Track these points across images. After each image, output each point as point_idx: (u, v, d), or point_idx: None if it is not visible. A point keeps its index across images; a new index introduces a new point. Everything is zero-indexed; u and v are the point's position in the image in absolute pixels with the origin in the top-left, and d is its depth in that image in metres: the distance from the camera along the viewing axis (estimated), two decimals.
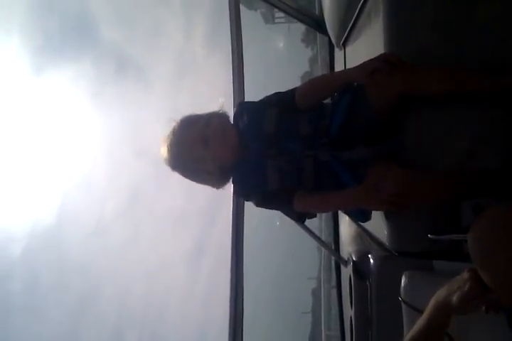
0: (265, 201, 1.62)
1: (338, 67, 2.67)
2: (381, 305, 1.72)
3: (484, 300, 1.06)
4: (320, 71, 3.23)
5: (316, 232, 2.22)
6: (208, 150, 1.59)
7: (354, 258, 1.93)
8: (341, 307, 2.36)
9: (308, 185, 1.56)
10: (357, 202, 1.49)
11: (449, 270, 1.41)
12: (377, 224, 1.66)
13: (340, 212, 2.49)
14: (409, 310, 1.37)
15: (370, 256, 1.79)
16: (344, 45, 2.47)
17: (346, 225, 2.48)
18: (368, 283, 1.76)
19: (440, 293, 1.13)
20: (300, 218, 1.78)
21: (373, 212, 1.66)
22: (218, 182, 1.68)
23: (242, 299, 2.01)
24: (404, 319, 1.46)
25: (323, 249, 2.87)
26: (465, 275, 1.08)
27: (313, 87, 1.67)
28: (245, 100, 2.13)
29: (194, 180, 1.69)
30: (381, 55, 1.52)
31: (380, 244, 1.77)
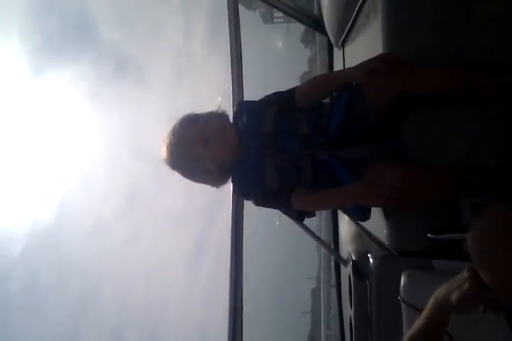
0: (264, 200, 1.63)
1: (337, 67, 2.67)
2: (381, 304, 1.72)
3: (483, 299, 1.06)
4: (319, 71, 3.23)
5: (316, 232, 2.22)
6: (208, 150, 1.59)
7: (354, 258, 1.94)
8: (341, 306, 2.36)
9: (307, 183, 1.56)
10: (355, 197, 1.49)
11: (448, 269, 1.41)
12: (377, 224, 1.66)
13: (339, 211, 2.50)
14: (409, 309, 1.38)
15: (369, 255, 1.79)
16: (343, 45, 2.47)
17: (346, 225, 2.48)
18: (367, 282, 1.76)
19: (439, 292, 1.13)
20: (299, 217, 1.78)
21: (373, 211, 1.67)
22: (218, 182, 1.68)
23: (242, 299, 2.01)
24: (404, 318, 1.47)
25: (322, 248, 2.87)
26: (464, 274, 1.08)
27: (312, 86, 1.68)
28: (244, 100, 2.13)
29: (194, 180, 1.69)
30: (380, 55, 1.52)
31: (379, 243, 1.77)
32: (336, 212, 2.71)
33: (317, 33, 3.00)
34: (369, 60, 1.52)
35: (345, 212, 1.98)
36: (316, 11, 2.91)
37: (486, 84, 1.42)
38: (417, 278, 1.49)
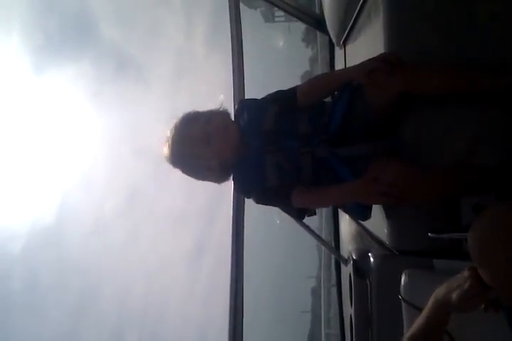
0: (265, 197, 1.63)
1: (339, 66, 2.67)
2: (381, 303, 1.72)
3: (484, 298, 1.06)
4: (320, 70, 3.24)
5: (317, 231, 2.22)
6: (209, 147, 1.60)
7: (354, 257, 1.94)
8: (341, 305, 2.36)
9: (307, 181, 1.57)
10: (355, 194, 1.49)
11: (449, 268, 1.41)
12: (378, 223, 1.66)
13: (340, 210, 2.50)
14: (409, 309, 1.38)
15: (370, 254, 1.79)
16: (344, 44, 2.47)
17: (346, 224, 2.48)
18: (368, 281, 1.76)
19: (440, 291, 1.13)
20: (299, 215, 1.78)
21: (373, 210, 1.67)
22: (219, 179, 1.69)
23: (242, 298, 2.01)
24: (404, 317, 1.47)
25: (323, 247, 2.87)
26: (465, 273, 1.08)
27: (313, 85, 1.68)
28: (246, 98, 2.13)
29: (195, 177, 1.70)
30: (380, 54, 1.52)
31: (380, 242, 1.77)
32: (337, 211, 2.71)
33: (318, 32, 3.00)
34: (369, 59, 1.52)
35: (345, 211, 1.98)
36: (317, 10, 2.91)
37: (487, 85, 1.42)
38: (418, 277, 1.49)
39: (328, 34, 2.71)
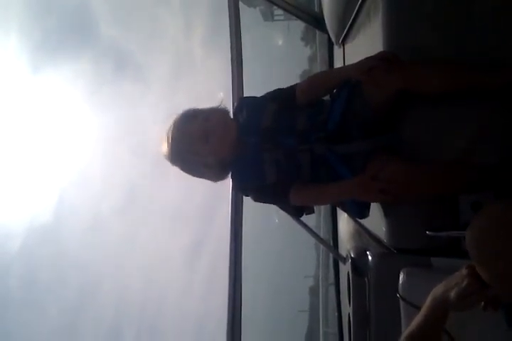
0: (263, 195, 1.63)
1: (338, 65, 2.67)
2: (379, 301, 1.72)
3: (482, 296, 1.06)
4: (319, 69, 3.23)
5: (315, 230, 2.22)
6: (208, 144, 1.60)
7: (352, 255, 1.94)
8: (339, 304, 2.36)
9: (306, 179, 1.57)
10: (353, 192, 1.49)
11: (447, 267, 1.41)
12: (376, 221, 1.66)
13: (338, 209, 2.50)
14: (408, 307, 1.38)
15: (368, 252, 1.79)
16: (343, 43, 2.47)
17: (345, 222, 2.48)
18: (366, 279, 1.76)
19: (438, 289, 1.13)
20: (297, 213, 1.78)
21: (372, 209, 1.67)
22: (217, 176, 1.69)
23: (241, 297, 2.01)
24: (403, 315, 1.47)
25: (321, 246, 2.87)
26: (463, 271, 1.08)
27: (312, 83, 1.68)
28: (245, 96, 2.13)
29: (193, 174, 1.70)
30: (378, 53, 1.52)
31: (378, 240, 1.77)
32: (335, 209, 2.71)
33: (317, 31, 3.00)
34: (367, 57, 1.52)
35: (344, 210, 1.98)
36: (316, 9, 2.91)
37: (486, 83, 1.42)
38: (416, 275, 1.49)
39: (327, 33, 2.71)
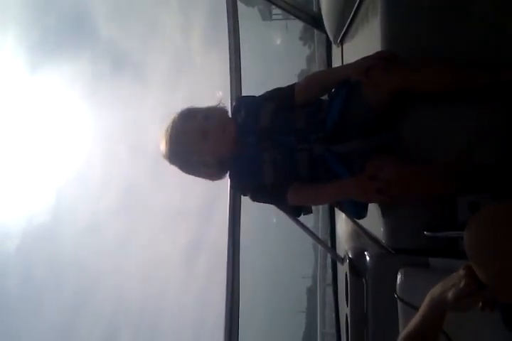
0: (261, 195, 1.63)
1: (336, 64, 2.67)
2: (377, 302, 1.72)
3: (479, 297, 1.06)
4: (317, 68, 3.23)
5: (313, 230, 2.22)
6: (206, 143, 1.60)
7: (350, 256, 1.94)
8: (337, 304, 2.36)
9: (304, 178, 1.57)
10: (350, 191, 1.49)
11: (445, 267, 1.41)
12: (374, 222, 1.66)
13: (336, 209, 2.50)
14: (405, 307, 1.37)
15: (366, 253, 1.79)
16: (342, 42, 2.47)
17: (343, 222, 2.48)
18: (364, 280, 1.76)
19: (435, 290, 1.13)
20: (295, 213, 1.78)
21: (369, 209, 1.67)
22: (215, 175, 1.69)
23: (238, 297, 2.00)
24: (400, 316, 1.47)
25: (319, 247, 2.87)
26: (461, 272, 1.08)
27: (311, 82, 1.68)
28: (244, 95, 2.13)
29: (191, 174, 1.70)
30: (376, 52, 1.52)
31: (376, 241, 1.77)
32: (333, 210, 2.71)
33: (316, 31, 2.99)
34: (365, 57, 1.52)
35: (342, 210, 1.98)
36: (315, 8, 2.91)
37: (486, 82, 1.41)
38: (414, 275, 1.49)
39: (325, 32, 2.70)
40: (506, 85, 1.39)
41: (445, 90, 1.43)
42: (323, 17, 2.57)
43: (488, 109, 1.46)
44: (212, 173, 1.68)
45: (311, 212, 1.77)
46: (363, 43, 1.95)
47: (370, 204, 1.66)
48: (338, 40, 2.47)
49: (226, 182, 1.76)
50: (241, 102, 1.74)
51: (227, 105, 1.79)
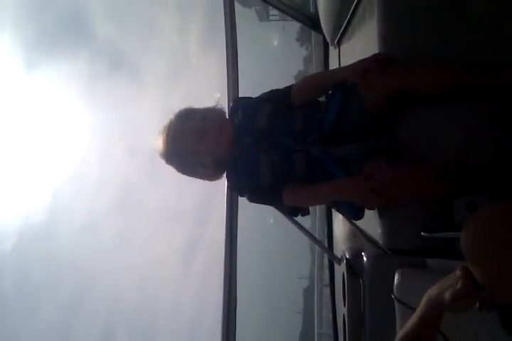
0: (258, 196, 1.63)
1: (333, 65, 2.67)
2: (374, 302, 1.72)
3: (477, 297, 1.06)
4: (314, 70, 3.23)
5: (310, 231, 2.22)
6: (204, 144, 1.60)
7: (347, 256, 1.94)
8: (334, 305, 2.36)
9: (301, 179, 1.57)
10: (345, 192, 1.49)
11: (442, 268, 1.41)
12: (371, 222, 1.66)
13: (333, 210, 2.50)
14: (402, 308, 1.38)
15: (363, 253, 1.79)
16: (339, 43, 2.47)
17: (340, 223, 2.48)
18: (361, 280, 1.76)
19: (432, 291, 1.13)
20: (293, 213, 1.78)
21: (366, 210, 1.67)
22: (213, 176, 1.69)
23: (236, 297, 2.01)
24: (397, 316, 1.47)
25: (316, 247, 2.87)
26: (457, 272, 1.08)
27: (308, 84, 1.68)
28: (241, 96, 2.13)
29: (188, 174, 1.70)
30: (373, 55, 1.52)
31: (373, 241, 1.77)
32: (331, 210, 2.71)
33: (313, 32, 3.00)
34: (361, 60, 1.52)
35: (339, 211, 1.98)
36: (312, 9, 2.91)
37: (483, 83, 1.42)
38: (411, 276, 1.49)
39: (322, 33, 2.71)
40: (503, 86, 1.39)
41: (442, 91, 1.44)
42: (320, 18, 2.58)
43: (486, 109, 1.46)
44: (209, 174, 1.68)
45: (309, 214, 1.77)
46: (360, 44, 1.96)
47: None
48: (335, 41, 2.47)
49: (223, 182, 1.76)
50: (238, 103, 1.75)
51: (225, 106, 1.79)
